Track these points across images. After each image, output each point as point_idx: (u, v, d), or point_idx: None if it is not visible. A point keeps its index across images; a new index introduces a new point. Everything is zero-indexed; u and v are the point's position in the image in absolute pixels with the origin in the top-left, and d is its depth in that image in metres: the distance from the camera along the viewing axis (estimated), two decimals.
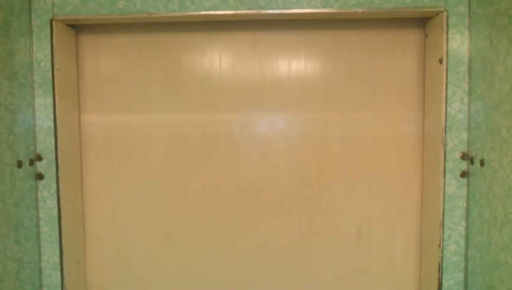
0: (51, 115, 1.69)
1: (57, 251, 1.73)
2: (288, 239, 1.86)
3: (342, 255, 1.86)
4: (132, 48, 1.85)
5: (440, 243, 1.64)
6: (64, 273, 1.73)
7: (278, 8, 1.63)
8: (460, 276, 1.65)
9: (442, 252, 1.65)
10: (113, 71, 1.86)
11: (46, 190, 1.71)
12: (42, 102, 1.69)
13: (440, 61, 1.62)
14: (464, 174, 1.62)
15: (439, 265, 1.65)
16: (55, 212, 1.71)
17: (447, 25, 1.60)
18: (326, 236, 1.86)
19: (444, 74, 1.61)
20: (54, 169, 1.70)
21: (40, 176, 1.70)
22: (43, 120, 1.69)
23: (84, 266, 1.89)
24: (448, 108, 1.62)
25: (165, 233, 1.89)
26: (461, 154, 1.62)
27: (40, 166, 1.71)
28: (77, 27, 1.84)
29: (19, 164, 1.60)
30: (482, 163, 1.50)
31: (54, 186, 1.71)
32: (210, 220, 1.88)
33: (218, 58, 1.83)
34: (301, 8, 1.62)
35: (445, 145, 1.62)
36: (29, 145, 1.67)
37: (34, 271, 1.70)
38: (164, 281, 1.91)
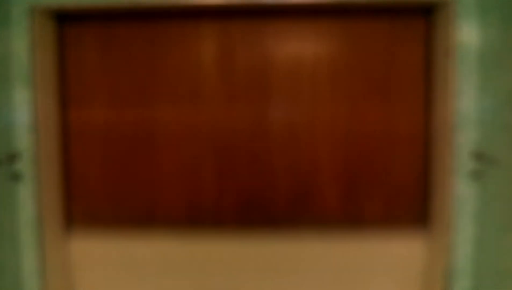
0: (31, 111, 1.58)
1: (38, 256, 1.62)
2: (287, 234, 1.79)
3: (344, 253, 1.77)
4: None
5: (448, 247, 1.55)
6: (45, 279, 1.63)
7: None
8: (469, 282, 1.57)
9: (452, 256, 1.56)
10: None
11: (25, 191, 1.61)
12: (21, 96, 1.59)
13: (448, 53, 1.53)
14: (474, 174, 1.53)
15: (447, 270, 1.56)
16: (35, 214, 1.61)
17: (456, 15, 1.51)
18: (326, 231, 1.77)
19: (453, 67, 1.51)
20: (34, 168, 1.60)
21: (19, 176, 1.60)
22: (22, 116, 1.59)
23: (68, 271, 1.79)
24: (457, 103, 1.52)
25: (157, 233, 1.79)
26: (471, 153, 1.53)
27: (19, 165, 1.60)
28: (62, 17, 1.73)
29: None
30: (492, 162, 1.41)
31: (34, 186, 1.60)
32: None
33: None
34: None
35: (454, 143, 1.53)
36: (8, 143, 1.58)
37: (14, 278, 1.61)
38: (154, 282, 1.81)
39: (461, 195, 1.55)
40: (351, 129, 1.74)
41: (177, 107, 1.76)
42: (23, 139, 1.60)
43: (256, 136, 1.76)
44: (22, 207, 1.62)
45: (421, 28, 1.70)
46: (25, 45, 1.57)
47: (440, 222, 1.61)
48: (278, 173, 1.77)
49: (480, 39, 1.50)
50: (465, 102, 1.52)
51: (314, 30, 1.72)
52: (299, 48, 1.73)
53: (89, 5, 1.57)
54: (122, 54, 1.75)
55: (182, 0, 1.55)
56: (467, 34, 1.52)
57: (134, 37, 1.74)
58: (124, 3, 1.56)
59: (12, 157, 1.59)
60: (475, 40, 1.51)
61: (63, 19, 1.74)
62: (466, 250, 1.56)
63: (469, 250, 1.56)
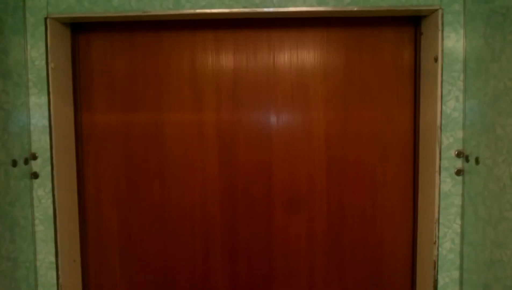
0: (46, 114, 1.68)
1: (53, 250, 1.72)
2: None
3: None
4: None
5: (435, 241, 1.65)
6: (59, 272, 1.72)
7: (274, 6, 1.63)
8: (456, 274, 1.66)
9: (438, 250, 1.65)
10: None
11: (41, 189, 1.70)
12: (37, 100, 1.68)
13: (436, 59, 1.62)
14: (459, 172, 1.63)
15: (434, 263, 1.66)
16: (50, 211, 1.70)
17: (442, 23, 1.60)
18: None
19: (440, 72, 1.61)
20: (49, 168, 1.69)
21: (35, 175, 1.70)
22: (38, 118, 1.69)
23: (80, 266, 1.88)
24: (443, 106, 1.62)
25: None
26: (456, 152, 1.63)
27: (35, 165, 1.70)
28: (76, 26, 1.83)
29: (14, 163, 1.59)
30: (477, 161, 1.50)
31: (49, 185, 1.70)
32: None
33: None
34: (297, 6, 1.62)
35: (440, 143, 1.63)
36: (24, 144, 1.66)
37: (29, 271, 1.70)
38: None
39: (447, 192, 1.64)
40: None
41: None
42: (39, 141, 1.69)
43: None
44: (38, 204, 1.71)
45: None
46: (40, 52, 1.67)
47: (428, 217, 1.70)
48: None
49: (465, 46, 1.59)
50: (451, 105, 1.62)
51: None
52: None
53: (100, 15, 1.66)
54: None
55: (188, 10, 1.64)
56: (454, 41, 1.61)
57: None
58: (134, 13, 1.65)
59: (29, 157, 1.68)
60: (461, 46, 1.60)
61: (77, 27, 1.84)
62: (452, 243, 1.65)
63: (455, 243, 1.65)
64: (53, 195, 1.70)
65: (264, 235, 1.87)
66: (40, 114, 1.68)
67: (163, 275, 1.90)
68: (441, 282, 1.66)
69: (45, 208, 1.71)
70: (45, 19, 1.66)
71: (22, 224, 1.65)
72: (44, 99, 1.68)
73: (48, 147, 1.69)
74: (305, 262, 1.87)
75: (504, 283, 1.34)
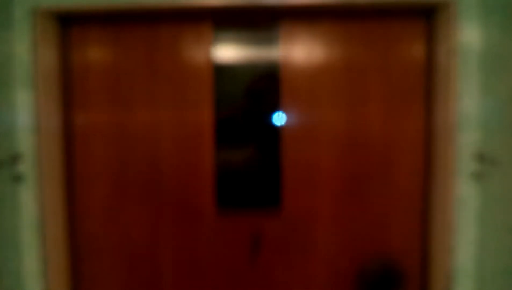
0: (33, 112, 1.58)
1: (40, 257, 1.62)
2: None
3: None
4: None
5: (450, 248, 1.54)
6: (47, 280, 1.63)
7: None
8: (472, 284, 1.56)
9: (453, 258, 1.55)
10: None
11: (27, 193, 1.60)
12: (23, 98, 1.58)
13: (450, 54, 1.52)
14: (476, 175, 1.52)
15: (449, 272, 1.55)
16: (37, 216, 1.60)
17: (458, 16, 1.51)
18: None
19: (455, 68, 1.51)
20: (36, 170, 1.59)
21: (20, 178, 1.59)
22: (24, 117, 1.59)
23: (68, 273, 1.78)
24: (459, 104, 1.52)
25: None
26: (473, 154, 1.52)
27: (21, 167, 1.60)
28: (65, 19, 1.72)
29: None
30: (495, 163, 1.41)
31: (36, 188, 1.60)
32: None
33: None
34: None
35: (456, 144, 1.52)
36: (9, 145, 1.56)
37: (16, 280, 1.60)
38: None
39: (463, 196, 1.54)
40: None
41: None
42: (25, 141, 1.59)
43: None
44: (24, 209, 1.61)
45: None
46: (27, 47, 1.57)
47: (442, 223, 1.60)
48: None
49: (482, 40, 1.50)
50: (467, 103, 1.52)
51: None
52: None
53: (90, 7, 1.57)
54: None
55: (183, 1, 1.55)
56: (468, 35, 1.51)
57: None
58: (126, 5, 1.56)
59: (14, 159, 1.58)
60: (477, 41, 1.51)
61: (67, 21, 1.73)
62: (468, 251, 1.55)
63: (471, 251, 1.55)
64: (40, 199, 1.60)
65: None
66: (26, 112, 1.59)
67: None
68: None
69: (31, 213, 1.61)
70: (32, 11, 1.56)
71: (7, 230, 1.56)
72: (30, 96, 1.58)
73: (35, 148, 1.59)
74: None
75: None
